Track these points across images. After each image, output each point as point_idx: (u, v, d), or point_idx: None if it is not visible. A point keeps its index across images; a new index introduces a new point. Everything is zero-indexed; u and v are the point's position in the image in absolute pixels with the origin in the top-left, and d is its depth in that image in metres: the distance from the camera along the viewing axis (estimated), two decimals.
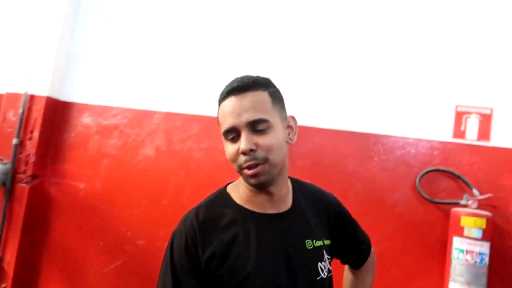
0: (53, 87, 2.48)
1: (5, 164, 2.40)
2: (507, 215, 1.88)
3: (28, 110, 2.45)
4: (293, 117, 1.00)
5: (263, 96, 0.93)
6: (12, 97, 2.49)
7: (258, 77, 0.98)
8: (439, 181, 2.01)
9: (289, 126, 0.99)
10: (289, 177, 1.06)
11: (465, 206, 1.87)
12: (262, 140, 0.90)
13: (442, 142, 2.03)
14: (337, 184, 2.13)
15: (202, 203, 1.03)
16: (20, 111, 2.43)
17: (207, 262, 0.92)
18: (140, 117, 2.41)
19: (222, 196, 1.01)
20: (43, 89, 2.46)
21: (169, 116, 2.37)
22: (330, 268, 1.01)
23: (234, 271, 0.91)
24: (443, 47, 2.07)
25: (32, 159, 2.43)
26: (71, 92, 2.53)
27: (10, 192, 2.41)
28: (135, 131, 2.41)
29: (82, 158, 2.46)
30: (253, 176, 0.91)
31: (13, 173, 2.42)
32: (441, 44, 2.07)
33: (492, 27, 2.02)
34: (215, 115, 2.25)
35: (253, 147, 0.90)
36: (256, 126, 0.90)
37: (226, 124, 0.92)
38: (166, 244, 2.31)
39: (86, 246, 2.40)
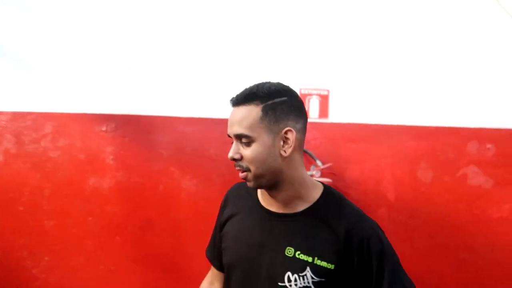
0: None
1: None
2: (344, 179, 2.20)
3: None
4: (291, 130, 1.01)
5: (253, 111, 1.01)
6: None
7: (261, 88, 1.03)
8: None
9: (286, 138, 1.02)
10: (328, 189, 1.10)
11: (312, 176, 2.13)
12: (245, 152, 1.01)
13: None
14: (202, 168, 2.24)
15: (242, 182, 1.18)
16: None
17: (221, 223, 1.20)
18: None
19: None
20: None
21: (17, 116, 2.19)
22: (310, 286, 0.99)
23: (224, 238, 1.16)
24: (286, 38, 2.29)
25: None
26: None
27: None
28: None
29: None
30: (242, 179, 1.05)
31: None
32: (284, 36, 2.29)
33: (323, 19, 2.31)
34: (71, 111, 2.20)
35: (237, 156, 1.02)
36: (241, 139, 1.01)
37: (227, 130, 1.05)
38: (25, 253, 2.16)
39: None
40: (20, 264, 2.16)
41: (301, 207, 1.06)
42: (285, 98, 1.03)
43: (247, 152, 1.00)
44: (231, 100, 1.06)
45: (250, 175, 1.02)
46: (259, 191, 1.15)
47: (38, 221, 2.19)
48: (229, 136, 1.05)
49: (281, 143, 1.01)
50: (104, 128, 2.22)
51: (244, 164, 1.01)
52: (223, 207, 1.22)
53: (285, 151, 1.02)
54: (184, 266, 2.21)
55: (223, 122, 2.25)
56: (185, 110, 2.27)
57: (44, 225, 2.18)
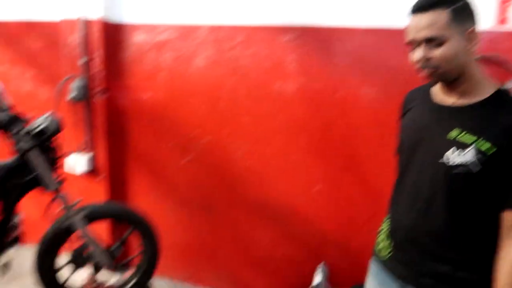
0: (105, 10, 2.66)
1: (82, 79, 2.71)
2: None
3: (86, 33, 2.68)
4: (474, 30, 1.14)
5: (441, 15, 1.10)
6: (68, 24, 2.71)
7: None
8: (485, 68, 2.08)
9: (470, 38, 1.13)
10: (502, 89, 1.17)
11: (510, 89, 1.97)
12: (434, 53, 1.12)
13: (486, 31, 2.03)
14: (381, 78, 2.26)
15: (417, 87, 1.38)
16: (80, 34, 2.67)
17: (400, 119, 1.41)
18: (187, 32, 2.54)
19: (430, 84, 1.30)
20: (95, 13, 2.65)
21: (214, 29, 2.49)
22: (471, 167, 1.09)
23: (400, 130, 1.36)
24: None
25: (102, 74, 2.72)
26: (120, 14, 2.69)
27: (90, 104, 2.78)
28: (185, 45, 2.57)
29: (141, 72, 2.71)
30: (427, 77, 1.18)
31: (88, 87, 2.75)
32: None
33: None
34: (257, 23, 2.36)
35: (426, 58, 1.14)
36: (430, 42, 1.12)
37: (408, 37, 1.17)
38: (230, 141, 2.62)
39: (160, 147, 2.80)
40: (227, 148, 2.66)
41: (473, 100, 1.16)
42: (464, 2, 1.13)
43: (435, 53, 1.11)
44: (415, 7, 1.14)
45: (437, 74, 1.15)
46: (433, 90, 1.28)
47: (236, 115, 2.60)
48: (409, 43, 1.17)
49: (466, 42, 1.13)
50: (286, 38, 2.37)
51: (432, 64, 1.13)
52: (402, 106, 1.40)
53: (469, 49, 1.14)
54: (359, 166, 2.41)
55: (400, 33, 2.18)
56: (362, 20, 2.23)
57: (241, 120, 2.59)
